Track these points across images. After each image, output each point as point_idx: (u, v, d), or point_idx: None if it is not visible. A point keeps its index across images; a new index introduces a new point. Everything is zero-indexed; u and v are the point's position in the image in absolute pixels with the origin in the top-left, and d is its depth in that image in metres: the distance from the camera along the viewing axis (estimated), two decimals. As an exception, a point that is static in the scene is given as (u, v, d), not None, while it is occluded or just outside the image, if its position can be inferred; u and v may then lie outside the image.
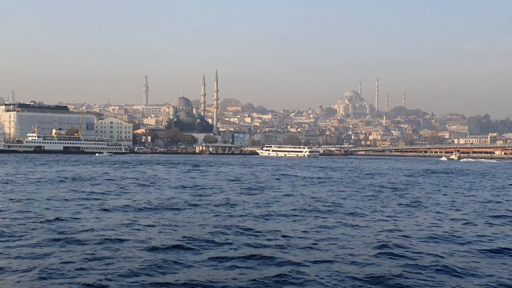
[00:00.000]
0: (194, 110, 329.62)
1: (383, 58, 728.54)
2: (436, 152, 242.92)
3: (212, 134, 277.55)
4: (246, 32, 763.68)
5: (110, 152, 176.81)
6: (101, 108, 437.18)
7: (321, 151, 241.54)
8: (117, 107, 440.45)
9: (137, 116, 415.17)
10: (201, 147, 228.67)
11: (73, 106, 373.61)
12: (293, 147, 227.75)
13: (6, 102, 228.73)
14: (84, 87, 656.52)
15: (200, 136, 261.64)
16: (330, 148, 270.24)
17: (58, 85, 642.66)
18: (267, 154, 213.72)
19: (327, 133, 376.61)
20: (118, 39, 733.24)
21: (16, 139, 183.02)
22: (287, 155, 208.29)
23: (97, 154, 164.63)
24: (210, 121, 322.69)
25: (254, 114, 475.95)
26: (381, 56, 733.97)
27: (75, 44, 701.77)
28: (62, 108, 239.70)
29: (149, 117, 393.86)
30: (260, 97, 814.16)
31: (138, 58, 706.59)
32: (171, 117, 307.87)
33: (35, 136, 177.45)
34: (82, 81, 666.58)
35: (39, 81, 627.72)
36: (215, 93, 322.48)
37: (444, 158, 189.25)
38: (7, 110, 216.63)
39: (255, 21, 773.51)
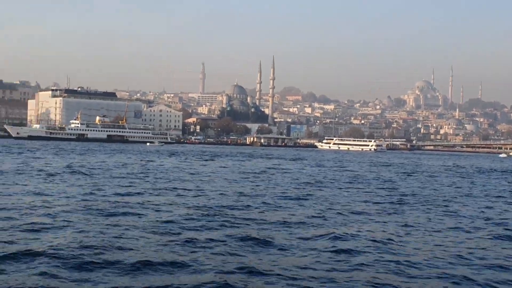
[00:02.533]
0: (248, 98, 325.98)
1: (459, 46, 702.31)
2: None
3: (266, 125, 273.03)
4: (308, 18, 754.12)
5: (162, 142, 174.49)
6: (156, 95, 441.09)
7: (385, 145, 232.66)
8: (172, 95, 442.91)
9: (192, 104, 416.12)
10: (252, 138, 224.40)
11: (127, 93, 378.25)
12: (357, 140, 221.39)
13: (52, 88, 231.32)
14: (141, 74, 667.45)
15: (254, 127, 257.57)
16: (395, 142, 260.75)
17: (114, 72, 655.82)
18: (328, 147, 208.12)
19: (394, 125, 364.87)
20: (177, 26, 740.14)
21: (59, 126, 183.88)
22: (350, 149, 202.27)
23: (148, 144, 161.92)
24: (266, 111, 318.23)
25: (316, 104, 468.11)
26: (456, 44, 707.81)
27: (134, 31, 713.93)
28: (110, 95, 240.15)
29: (203, 105, 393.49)
30: (323, 86, 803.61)
31: (196, 44, 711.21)
32: (224, 105, 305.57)
33: (78, 123, 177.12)
34: (139, 67, 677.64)
35: (94, 67, 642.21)
36: (271, 81, 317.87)
37: (503, 155, 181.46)
38: (54, 96, 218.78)
39: (318, 6, 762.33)
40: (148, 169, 51.74)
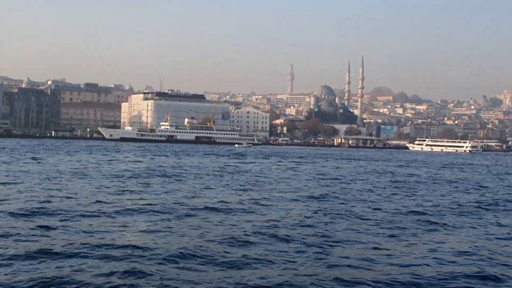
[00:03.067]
0: (337, 99, 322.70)
1: None
2: None
3: (355, 126, 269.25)
4: (399, 17, 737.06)
5: (249, 143, 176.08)
6: (245, 97, 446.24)
7: (479, 146, 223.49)
8: (261, 97, 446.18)
9: (280, 105, 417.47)
10: (339, 140, 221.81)
11: (217, 95, 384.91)
12: (451, 141, 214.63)
13: (144, 91, 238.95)
14: (230, 76, 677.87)
15: (342, 128, 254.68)
16: (489, 143, 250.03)
17: (205, 74, 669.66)
18: (420, 149, 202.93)
19: (489, 126, 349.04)
20: (266, 27, 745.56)
21: (149, 128, 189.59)
22: (443, 150, 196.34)
23: (236, 145, 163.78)
24: (355, 111, 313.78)
25: (407, 105, 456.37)
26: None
27: (222, 36, 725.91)
28: (199, 97, 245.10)
29: (291, 106, 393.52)
30: (415, 86, 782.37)
31: (285, 45, 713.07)
32: (311, 107, 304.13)
33: (168, 125, 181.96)
34: (229, 70, 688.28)
35: (186, 69, 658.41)
36: (360, 81, 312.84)
37: None
38: (145, 99, 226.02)
39: (406, 4, 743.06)
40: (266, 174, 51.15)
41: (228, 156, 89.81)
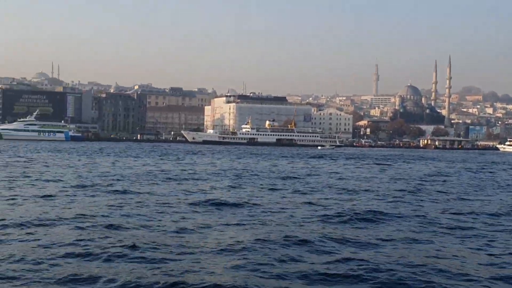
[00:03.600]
0: (423, 99, 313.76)
1: None
2: None
3: (442, 126, 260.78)
4: (483, 14, 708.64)
5: (333, 145, 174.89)
6: (328, 99, 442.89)
7: None
8: (344, 98, 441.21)
9: (365, 106, 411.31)
10: (425, 141, 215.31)
11: (299, 98, 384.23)
12: None
13: (226, 94, 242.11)
14: (314, 78, 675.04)
15: (428, 129, 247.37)
16: None
17: (288, 76, 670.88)
18: (511, 150, 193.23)
19: None
20: (350, 29, 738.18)
21: (231, 130, 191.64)
22: None
23: (319, 147, 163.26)
24: (442, 112, 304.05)
25: (498, 104, 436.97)
26: None
27: (307, 37, 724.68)
28: (280, 100, 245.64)
29: (376, 107, 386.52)
30: (506, 85, 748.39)
31: (368, 46, 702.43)
32: (396, 107, 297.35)
33: (249, 128, 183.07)
34: (312, 71, 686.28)
35: (267, 72, 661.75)
36: (447, 81, 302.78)
37: None
38: (228, 102, 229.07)
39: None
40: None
41: (318, 157, 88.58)
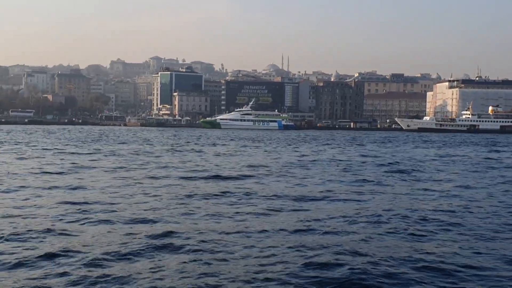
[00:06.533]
0: None
1: None
2: None
3: None
4: None
5: None
6: None
7: None
8: None
9: None
10: None
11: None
12: None
13: (450, 79, 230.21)
14: None
15: None
16: None
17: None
18: None
19: None
20: None
21: (450, 117, 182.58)
22: None
23: None
24: None
25: None
26: None
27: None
28: (509, 83, 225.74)
29: None
30: None
31: None
32: None
33: (469, 114, 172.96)
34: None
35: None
36: None
37: None
38: (451, 87, 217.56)
39: None
40: None
41: None
